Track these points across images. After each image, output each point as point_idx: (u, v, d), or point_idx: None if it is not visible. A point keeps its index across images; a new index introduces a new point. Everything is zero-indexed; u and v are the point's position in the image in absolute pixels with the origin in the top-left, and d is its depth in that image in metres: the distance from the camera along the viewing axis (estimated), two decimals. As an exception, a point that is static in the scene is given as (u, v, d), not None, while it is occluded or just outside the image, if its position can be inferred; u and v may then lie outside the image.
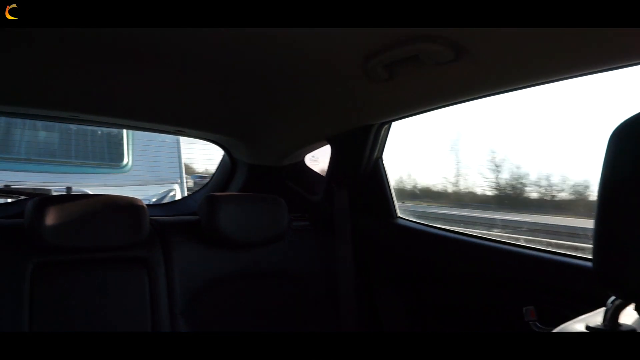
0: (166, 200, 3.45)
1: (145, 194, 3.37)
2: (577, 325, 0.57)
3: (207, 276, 1.47)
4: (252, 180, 1.98)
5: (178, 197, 3.55)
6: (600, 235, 0.50)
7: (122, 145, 3.51)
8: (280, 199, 1.60)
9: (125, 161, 3.54)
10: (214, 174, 2.25)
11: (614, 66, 0.93)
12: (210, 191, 2.03)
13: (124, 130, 3.53)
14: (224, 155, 2.13)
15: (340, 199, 1.69)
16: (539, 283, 1.26)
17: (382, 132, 1.56)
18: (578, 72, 1.00)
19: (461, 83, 1.12)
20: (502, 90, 1.11)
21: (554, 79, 1.05)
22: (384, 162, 1.65)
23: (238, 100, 1.55)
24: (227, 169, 2.09)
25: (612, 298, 0.55)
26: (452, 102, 1.24)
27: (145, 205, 1.37)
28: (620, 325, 0.55)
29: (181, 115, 1.63)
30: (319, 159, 2.02)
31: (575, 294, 1.14)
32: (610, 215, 0.49)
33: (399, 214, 1.70)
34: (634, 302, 0.51)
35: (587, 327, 0.56)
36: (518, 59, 0.99)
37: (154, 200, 3.40)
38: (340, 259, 1.67)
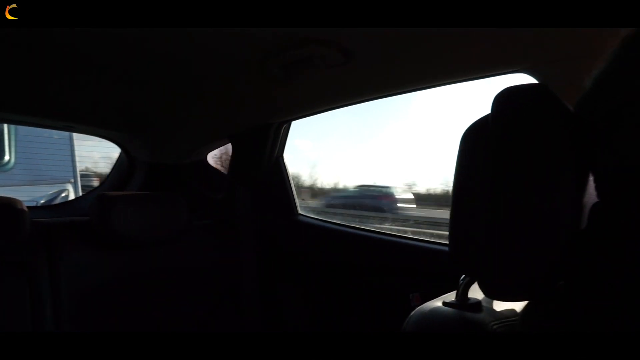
0: (58, 201, 3.20)
1: (31, 194, 3.09)
2: (437, 302, 0.65)
3: (100, 279, 1.40)
4: (152, 179, 1.92)
5: (72, 198, 3.31)
6: (453, 224, 0.56)
7: (1, 140, 3.17)
8: (180, 197, 1.57)
9: (6, 158, 3.20)
10: (109, 173, 2.14)
11: (495, 73, 1.03)
12: (105, 191, 1.92)
13: (5, 125, 3.19)
14: (120, 153, 2.03)
15: (242, 197, 1.70)
16: (423, 270, 1.37)
17: (282, 131, 1.60)
18: (463, 78, 1.10)
19: (352, 85, 1.19)
20: (389, 93, 1.20)
21: (439, 83, 1.15)
22: (284, 160, 1.69)
23: (134, 96, 1.50)
24: (124, 167, 2.00)
25: (463, 276, 0.64)
26: (345, 103, 1.31)
27: (24, 207, 1.27)
28: (469, 299, 0.63)
29: (68, 110, 1.53)
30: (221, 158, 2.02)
31: (454, 277, 1.26)
32: (459, 207, 0.55)
33: (300, 211, 1.75)
34: (477, 278, 0.59)
35: (443, 303, 0.63)
36: (403, 63, 1.08)
37: (42, 201, 3.13)
38: (243, 256, 1.68)
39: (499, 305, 0.64)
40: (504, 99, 0.53)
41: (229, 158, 1.77)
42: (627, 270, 0.41)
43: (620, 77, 0.45)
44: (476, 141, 0.56)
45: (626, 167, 0.44)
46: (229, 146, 1.75)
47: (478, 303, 0.62)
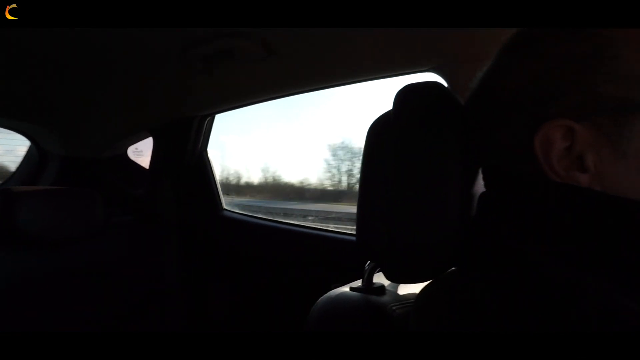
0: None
1: None
2: (345, 288, 0.68)
3: (5, 280, 1.30)
4: (67, 175, 1.81)
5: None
6: (360, 214, 0.59)
7: None
8: (96, 192, 1.49)
9: None
10: (17, 169, 1.98)
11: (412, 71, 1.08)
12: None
13: None
14: (30, 146, 1.89)
15: (164, 193, 1.65)
16: (346, 261, 1.41)
17: (205, 125, 1.57)
18: (377, 75, 1.15)
19: (274, 80, 1.20)
20: (310, 88, 1.22)
21: (358, 79, 1.18)
22: (208, 154, 1.67)
23: (43, 84, 1.40)
24: (34, 161, 1.86)
25: (368, 262, 0.67)
26: (268, 97, 1.32)
27: None
28: (374, 283, 0.67)
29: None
30: (143, 152, 1.94)
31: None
32: (365, 197, 0.58)
33: (225, 206, 1.74)
34: (379, 263, 0.63)
35: (350, 288, 0.66)
36: (322, 60, 1.10)
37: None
38: (166, 253, 1.63)
39: (404, 289, 0.69)
40: (403, 96, 0.57)
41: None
42: (503, 252, 0.45)
43: (497, 80, 0.50)
44: (379, 135, 0.59)
45: (504, 161, 0.49)
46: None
47: (382, 287, 0.66)
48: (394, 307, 0.59)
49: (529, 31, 0.50)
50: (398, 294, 0.66)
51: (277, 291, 1.61)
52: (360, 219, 0.59)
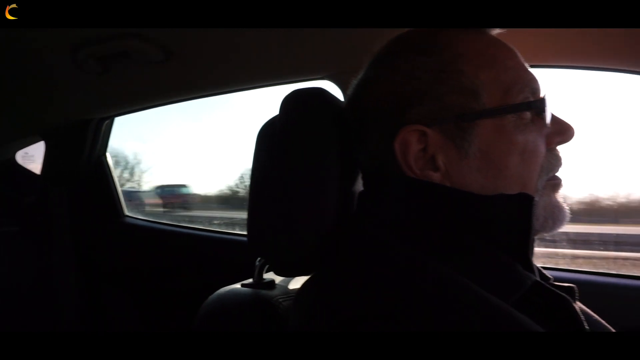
0: None
1: None
2: (237, 285, 0.70)
3: None
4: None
5: None
6: (250, 213, 0.61)
7: None
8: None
9: None
10: None
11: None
12: None
13: None
14: None
15: (57, 200, 1.55)
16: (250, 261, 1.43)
17: (103, 128, 1.51)
18: (275, 81, 1.18)
19: (174, 83, 1.20)
20: (209, 93, 1.23)
21: (257, 85, 1.21)
22: (107, 159, 1.60)
23: None
24: None
25: (259, 259, 0.70)
26: (168, 100, 1.30)
27: None
28: (264, 279, 0.70)
29: None
30: (34, 157, 1.81)
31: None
32: (255, 197, 0.60)
33: (127, 212, 1.67)
34: (266, 259, 0.66)
35: (242, 285, 0.69)
36: (221, 64, 1.12)
37: None
38: (57, 264, 1.53)
39: (295, 283, 0.72)
40: (288, 101, 0.61)
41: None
42: (367, 240, 0.50)
43: (365, 89, 0.56)
44: (267, 138, 0.62)
45: (374, 162, 0.55)
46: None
47: (271, 282, 0.69)
48: (280, 300, 0.63)
49: (391, 45, 0.56)
50: (288, 288, 0.69)
51: (180, 296, 1.58)
52: (251, 218, 0.62)
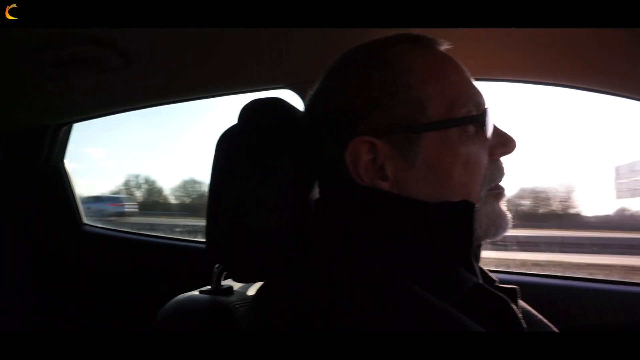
0: None
1: None
2: (195, 292, 0.70)
3: None
4: None
5: None
6: (209, 220, 0.62)
7: None
8: None
9: None
10: None
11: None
12: None
13: None
14: None
15: (10, 207, 1.50)
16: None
17: (61, 134, 1.47)
18: (238, 90, 1.19)
19: (134, 90, 1.18)
20: (171, 100, 1.23)
21: (218, 93, 1.21)
22: (65, 166, 1.56)
23: None
24: None
25: (217, 265, 0.71)
26: (128, 107, 1.28)
27: None
28: (222, 285, 0.70)
29: None
30: None
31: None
32: (213, 205, 0.61)
33: (85, 220, 1.63)
34: (223, 266, 0.67)
35: (199, 291, 0.69)
36: (182, 72, 1.12)
37: None
38: (7, 273, 1.48)
39: (253, 289, 0.73)
40: (247, 110, 0.62)
41: None
42: (321, 245, 0.52)
43: (319, 99, 0.58)
44: (226, 146, 0.63)
45: (328, 171, 0.57)
46: None
47: (229, 288, 0.70)
48: (237, 306, 0.64)
49: (345, 59, 0.59)
50: (245, 294, 0.70)
51: (138, 303, 1.55)
52: (209, 225, 0.62)
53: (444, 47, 0.58)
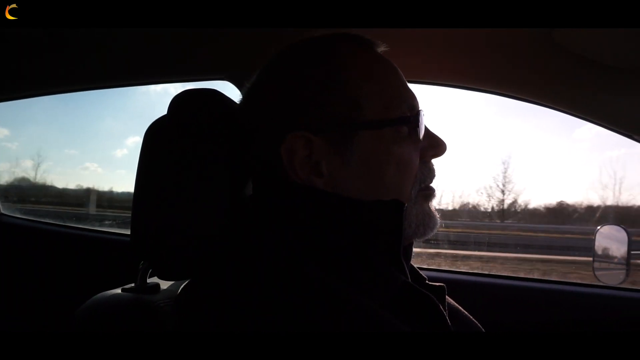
0: None
1: None
2: (117, 290, 0.66)
3: None
4: None
5: None
6: (134, 215, 0.58)
7: None
8: None
9: None
10: None
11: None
12: None
13: None
14: None
15: None
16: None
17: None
18: (179, 79, 1.14)
19: (60, 72, 1.11)
20: (110, 84, 1.16)
21: (157, 81, 1.16)
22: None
23: None
24: None
25: (142, 262, 0.67)
26: (55, 90, 1.20)
27: None
28: (148, 283, 0.67)
29: None
30: None
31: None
32: (140, 199, 0.58)
33: (3, 211, 1.51)
34: (148, 262, 0.64)
35: (122, 289, 0.65)
36: (115, 57, 1.05)
37: None
38: None
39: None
40: (178, 100, 0.59)
41: None
42: (251, 246, 0.50)
43: (255, 94, 0.57)
44: (155, 139, 0.60)
45: (262, 167, 0.56)
46: None
47: (156, 286, 0.67)
48: (161, 305, 0.61)
49: (284, 53, 0.57)
50: (172, 292, 0.67)
51: (57, 300, 1.45)
52: (135, 219, 0.59)
53: (382, 49, 0.58)
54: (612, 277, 1.22)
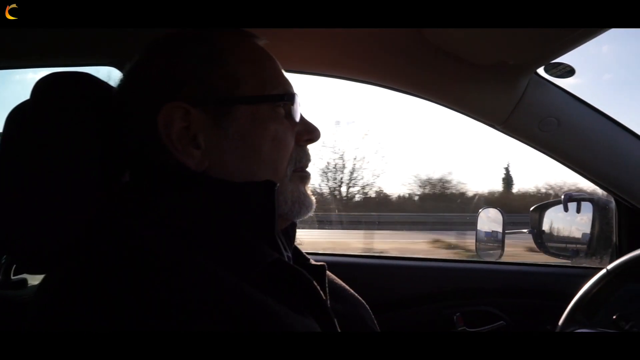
0: None
1: None
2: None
3: None
4: None
5: None
6: None
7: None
8: None
9: None
10: None
11: None
12: None
13: None
14: None
15: None
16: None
17: None
18: (62, 64, 1.06)
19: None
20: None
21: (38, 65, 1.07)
22: None
23: None
24: None
25: (5, 257, 0.63)
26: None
27: None
28: (12, 279, 0.63)
29: None
30: None
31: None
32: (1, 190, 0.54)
33: None
34: (12, 256, 0.60)
35: None
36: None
37: None
38: None
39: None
40: (43, 84, 0.56)
41: None
42: (119, 232, 0.49)
43: (134, 73, 0.56)
44: (18, 124, 0.56)
45: (137, 146, 0.55)
46: None
47: (23, 281, 0.63)
48: (27, 300, 0.57)
49: (166, 35, 0.58)
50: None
51: None
52: None
53: (263, 42, 0.61)
54: (492, 255, 1.36)
